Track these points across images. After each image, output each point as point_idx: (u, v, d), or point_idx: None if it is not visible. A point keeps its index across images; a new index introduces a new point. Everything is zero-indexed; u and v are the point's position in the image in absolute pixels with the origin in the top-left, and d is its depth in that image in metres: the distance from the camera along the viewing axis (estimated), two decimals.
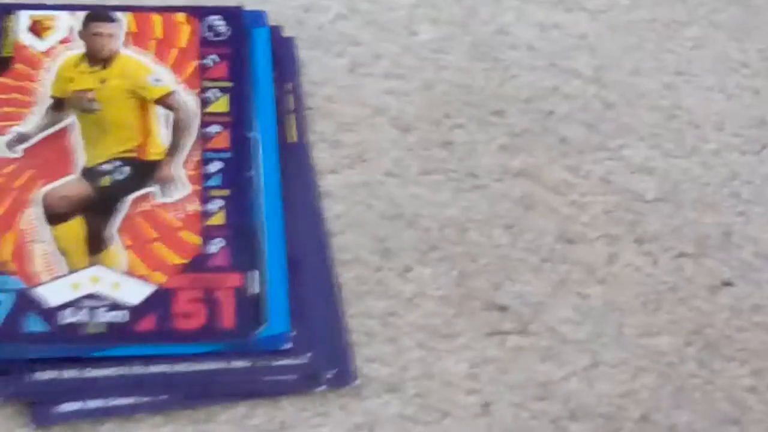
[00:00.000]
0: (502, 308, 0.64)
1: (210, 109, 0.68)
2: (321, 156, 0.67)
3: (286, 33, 0.72)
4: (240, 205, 0.65)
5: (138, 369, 0.60)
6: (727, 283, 0.66)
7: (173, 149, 0.67)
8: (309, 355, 0.61)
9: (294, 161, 0.67)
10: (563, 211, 0.67)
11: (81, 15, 0.72)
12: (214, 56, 0.71)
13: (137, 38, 0.71)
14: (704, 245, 0.67)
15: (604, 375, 0.62)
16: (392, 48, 0.72)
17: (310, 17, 0.72)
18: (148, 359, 0.60)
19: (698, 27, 0.76)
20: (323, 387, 0.61)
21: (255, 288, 0.62)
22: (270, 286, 0.62)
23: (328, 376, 0.61)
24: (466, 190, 0.67)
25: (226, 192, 0.65)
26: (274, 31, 0.73)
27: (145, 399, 0.59)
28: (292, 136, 0.68)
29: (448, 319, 0.63)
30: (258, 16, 0.73)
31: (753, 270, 0.66)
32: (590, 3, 0.76)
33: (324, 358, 0.61)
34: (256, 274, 0.62)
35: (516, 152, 0.69)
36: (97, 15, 0.72)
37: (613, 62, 0.73)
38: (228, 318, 0.60)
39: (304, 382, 0.61)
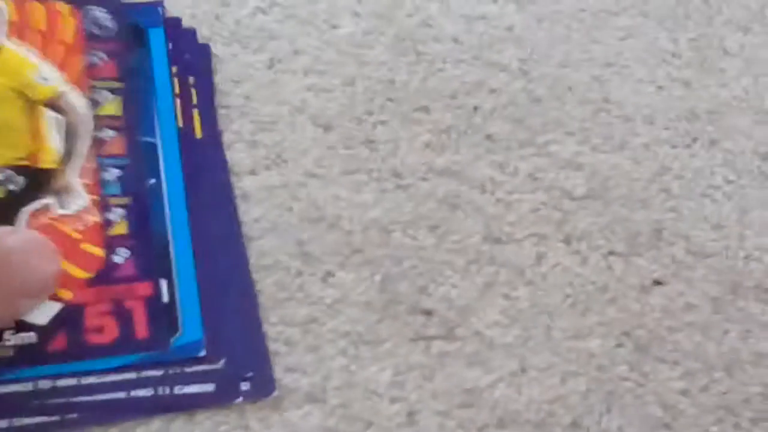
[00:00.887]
0: (428, 313, 0.62)
1: (101, 111, 0.64)
2: (238, 156, 0.65)
3: (203, 29, 0.68)
4: (142, 213, 0.62)
5: (46, 384, 0.57)
6: (659, 282, 0.64)
7: (67, 156, 0.62)
8: (224, 362, 0.59)
9: (204, 160, 0.64)
10: (490, 211, 0.65)
11: None
12: (101, 53, 0.66)
13: (19, 29, 0.65)
14: (634, 243, 0.65)
15: (533, 380, 0.61)
16: (313, 42, 0.69)
17: (227, 11, 0.69)
18: (57, 375, 0.57)
19: (628, 17, 0.74)
20: (240, 399, 0.58)
21: (166, 296, 0.58)
22: (180, 294, 0.60)
23: (246, 387, 0.59)
24: (389, 191, 0.65)
25: (126, 200, 0.62)
26: (175, 23, 0.69)
27: (55, 417, 0.56)
28: (198, 133, 0.64)
29: (371, 326, 0.61)
30: (152, 10, 0.69)
31: (685, 268, 0.65)
32: None
33: (241, 367, 0.59)
34: (165, 282, 0.59)
35: (441, 150, 0.67)
36: None
37: (541, 54, 0.71)
38: (141, 328, 0.58)
39: (221, 395, 0.58)
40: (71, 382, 0.57)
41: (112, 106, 0.64)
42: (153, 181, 0.62)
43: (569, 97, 0.70)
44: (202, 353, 0.59)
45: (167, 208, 0.61)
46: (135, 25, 0.67)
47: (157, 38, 0.67)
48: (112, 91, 0.65)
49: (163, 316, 0.59)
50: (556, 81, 0.70)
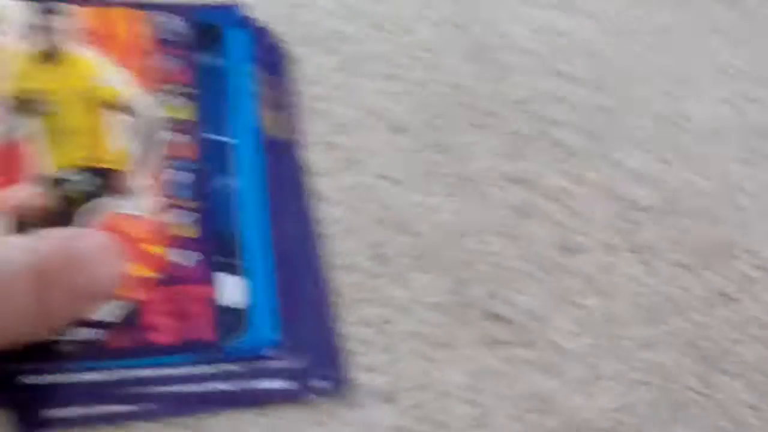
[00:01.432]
0: (500, 318, 0.62)
1: (173, 115, 0.64)
2: (313, 157, 0.65)
3: (275, 28, 0.68)
4: (212, 215, 0.62)
5: (125, 373, 0.57)
6: (725, 296, 0.65)
7: (137, 159, 0.62)
8: (301, 361, 0.59)
9: (280, 161, 0.64)
10: (561, 220, 0.66)
11: (33, 5, 0.65)
12: (174, 57, 0.66)
13: (95, 35, 0.65)
14: (703, 256, 0.66)
15: (602, 388, 0.61)
16: (386, 47, 0.70)
17: (300, 13, 0.70)
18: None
19: (699, 33, 0.75)
20: (315, 396, 0.59)
21: (234, 297, 0.59)
22: (256, 294, 0.60)
23: (322, 384, 0.59)
24: (462, 195, 0.65)
25: (195, 203, 0.62)
26: (252, 24, 0.69)
27: (133, 407, 0.57)
28: (277, 133, 0.65)
29: (444, 328, 0.61)
30: (230, 12, 0.69)
31: (752, 282, 0.65)
32: (588, 6, 0.74)
33: (318, 365, 0.59)
34: (236, 282, 0.60)
35: (512, 158, 0.67)
36: (51, 6, 0.65)
37: (612, 67, 0.72)
38: (205, 330, 0.59)
39: (297, 391, 0.59)
40: (149, 372, 0.58)
41: (184, 109, 0.64)
42: (227, 182, 0.62)
43: (640, 110, 0.70)
44: (275, 353, 0.59)
45: (243, 208, 0.61)
46: (210, 25, 0.67)
47: (233, 38, 0.67)
48: (185, 94, 0.65)
49: (228, 317, 0.59)
50: (628, 94, 0.71)
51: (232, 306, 0.60)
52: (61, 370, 0.57)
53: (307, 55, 0.69)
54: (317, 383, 0.59)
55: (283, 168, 0.65)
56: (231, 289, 0.60)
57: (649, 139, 0.70)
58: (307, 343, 0.60)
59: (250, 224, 0.62)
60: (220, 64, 0.67)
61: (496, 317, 0.62)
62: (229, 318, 0.60)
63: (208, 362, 0.59)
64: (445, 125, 0.68)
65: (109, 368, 0.58)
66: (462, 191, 0.66)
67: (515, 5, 0.74)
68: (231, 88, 0.66)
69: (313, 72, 0.69)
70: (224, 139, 0.65)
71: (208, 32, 0.67)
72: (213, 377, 0.59)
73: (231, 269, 0.61)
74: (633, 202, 0.67)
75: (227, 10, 0.69)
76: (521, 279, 0.63)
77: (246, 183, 0.63)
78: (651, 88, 0.72)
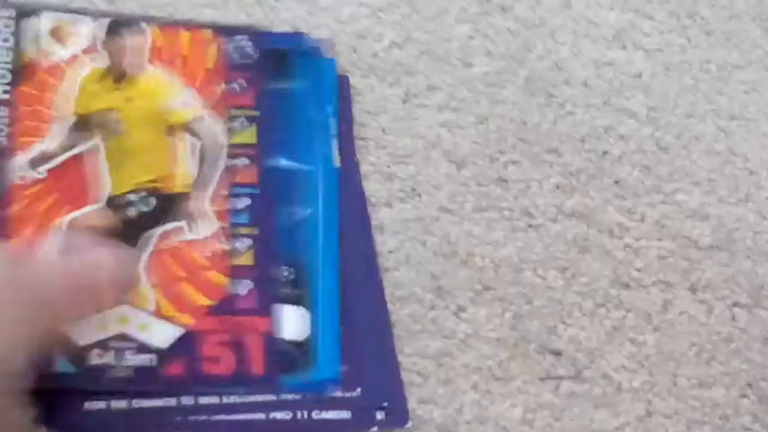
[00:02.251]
0: (557, 353, 0.63)
1: (236, 139, 0.64)
2: (374, 188, 0.66)
3: (340, 60, 0.70)
4: (269, 245, 0.62)
5: (188, 401, 0.58)
6: None
7: (200, 182, 0.63)
8: (360, 391, 0.60)
9: (342, 190, 0.65)
10: (618, 255, 0.66)
11: (105, 22, 0.66)
12: (240, 80, 0.66)
13: (163, 54, 0.66)
14: (759, 295, 0.66)
15: (659, 425, 0.62)
16: (447, 79, 0.71)
17: (364, 44, 0.71)
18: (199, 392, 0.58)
19: (752, 70, 0.75)
20: (375, 428, 0.59)
21: (296, 330, 0.60)
22: (316, 326, 0.61)
23: (381, 416, 0.60)
24: (520, 230, 0.66)
25: (253, 230, 0.62)
26: (319, 53, 0.70)
27: None
28: (337, 162, 0.66)
29: (502, 362, 0.62)
30: (299, 40, 0.70)
31: None
32: (645, 41, 0.75)
33: (377, 396, 0.60)
34: (298, 313, 0.61)
35: (570, 192, 0.68)
36: (123, 24, 0.66)
37: (668, 103, 0.72)
38: (256, 364, 0.59)
39: (357, 423, 0.60)
40: (213, 400, 0.58)
41: (247, 134, 0.65)
42: (294, 210, 0.63)
43: (695, 147, 0.71)
44: (335, 392, 0.60)
45: (312, 238, 0.62)
46: (280, 51, 0.68)
47: (303, 65, 0.68)
48: (249, 118, 0.65)
49: (292, 352, 0.60)
50: (683, 130, 0.71)
51: (294, 339, 0.60)
52: (120, 397, 0.58)
53: (370, 86, 0.70)
54: (376, 414, 0.59)
55: (345, 198, 0.65)
56: (293, 322, 0.60)
57: (705, 177, 0.70)
58: (366, 374, 0.60)
59: (319, 254, 0.62)
60: (289, 91, 0.67)
61: (553, 352, 0.63)
62: (290, 352, 0.60)
63: (262, 394, 0.59)
64: (506, 160, 0.68)
65: (165, 395, 0.58)
66: (521, 225, 0.66)
67: (572, 39, 0.74)
68: (300, 115, 0.66)
69: (375, 103, 0.69)
70: (292, 166, 0.65)
71: (278, 58, 0.68)
72: (270, 406, 0.59)
73: (295, 300, 0.61)
74: (690, 240, 0.68)
75: (297, 37, 0.70)
76: (578, 314, 0.64)
77: (316, 212, 0.64)
78: (707, 124, 0.72)
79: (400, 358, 0.61)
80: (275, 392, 0.59)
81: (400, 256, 0.64)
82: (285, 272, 0.62)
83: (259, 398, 0.59)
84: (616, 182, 0.69)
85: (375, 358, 0.61)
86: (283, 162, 0.65)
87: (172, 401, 0.58)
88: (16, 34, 0.63)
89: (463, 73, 0.71)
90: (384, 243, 0.64)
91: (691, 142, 0.71)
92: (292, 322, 0.61)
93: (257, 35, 0.68)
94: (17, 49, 0.63)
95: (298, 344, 0.60)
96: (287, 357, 0.60)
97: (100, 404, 0.57)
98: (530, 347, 0.62)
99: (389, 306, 0.62)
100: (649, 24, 0.75)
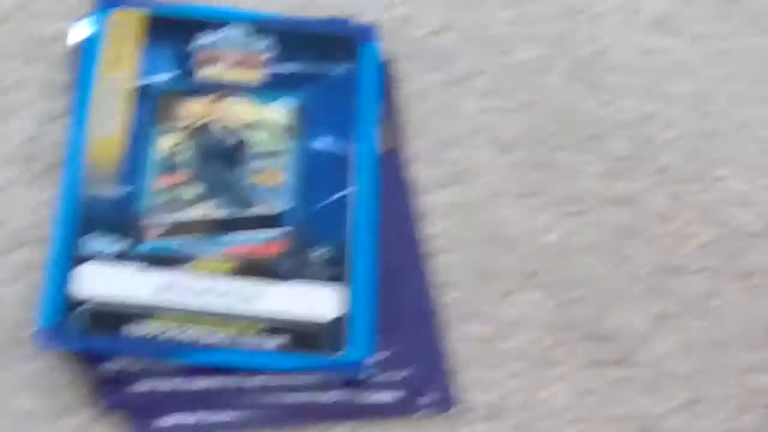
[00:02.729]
0: (603, 338, 0.62)
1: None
2: (418, 173, 0.66)
3: (384, 45, 0.69)
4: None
5: (234, 381, 0.58)
6: None
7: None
8: (405, 375, 0.60)
9: (386, 175, 0.65)
10: (664, 242, 0.66)
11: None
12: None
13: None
14: None
15: (706, 412, 0.61)
16: (489, 65, 0.70)
17: (406, 30, 0.71)
18: (246, 373, 0.59)
19: None
20: (421, 412, 0.59)
21: (336, 307, 0.60)
22: (354, 304, 0.61)
23: (426, 401, 0.60)
24: (566, 215, 0.66)
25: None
26: (361, 39, 0.71)
27: (244, 415, 0.58)
28: (381, 148, 0.66)
29: (548, 348, 0.62)
30: (342, 24, 0.71)
31: None
32: (689, 28, 0.74)
33: (422, 381, 0.60)
34: (339, 291, 0.61)
35: (616, 178, 0.67)
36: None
37: (713, 89, 0.72)
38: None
39: (402, 407, 0.60)
40: (259, 381, 0.58)
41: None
42: (331, 191, 0.63)
43: (742, 134, 0.70)
44: (380, 367, 0.59)
45: (356, 218, 0.62)
46: (322, 38, 0.68)
47: (345, 51, 0.69)
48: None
49: (331, 329, 0.60)
50: (729, 116, 0.71)
51: (327, 318, 0.60)
52: (173, 377, 0.58)
53: (413, 72, 0.69)
54: (423, 398, 0.59)
55: (387, 183, 0.65)
56: (332, 299, 0.60)
57: (752, 163, 0.69)
58: (413, 357, 0.60)
59: (356, 235, 0.62)
60: (332, 76, 0.68)
61: (600, 338, 0.62)
62: (329, 329, 0.60)
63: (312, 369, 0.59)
64: (551, 145, 0.68)
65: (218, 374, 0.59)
66: (567, 211, 0.66)
67: (614, 25, 0.74)
68: (343, 100, 0.67)
69: (418, 88, 0.69)
70: (334, 149, 0.65)
71: (322, 43, 0.69)
72: (323, 386, 0.59)
73: (336, 278, 0.61)
74: (736, 227, 0.67)
75: (340, 22, 0.71)
76: (625, 300, 0.64)
77: (361, 193, 0.64)
78: (753, 110, 0.72)
79: (445, 342, 0.60)
80: (325, 367, 0.59)
81: (445, 241, 0.64)
82: (321, 251, 0.61)
83: (306, 380, 0.58)
84: (661, 169, 0.68)
85: (420, 342, 0.61)
86: (324, 146, 0.64)
87: (218, 381, 0.58)
88: None
89: (505, 59, 0.71)
90: (428, 228, 0.64)
91: (737, 128, 0.71)
92: (326, 301, 0.60)
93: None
94: None
95: (327, 325, 0.60)
96: (332, 334, 0.60)
97: (150, 384, 0.57)
98: (575, 333, 0.62)
99: (436, 290, 0.62)
100: (692, 10, 0.74)
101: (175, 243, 0.61)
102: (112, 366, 0.58)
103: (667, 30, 0.74)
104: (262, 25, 0.69)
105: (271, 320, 0.59)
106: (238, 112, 0.66)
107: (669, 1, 0.75)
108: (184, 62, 0.67)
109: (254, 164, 0.64)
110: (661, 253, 0.65)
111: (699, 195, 0.68)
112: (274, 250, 0.62)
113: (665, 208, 0.67)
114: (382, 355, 0.60)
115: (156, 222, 0.61)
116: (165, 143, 0.64)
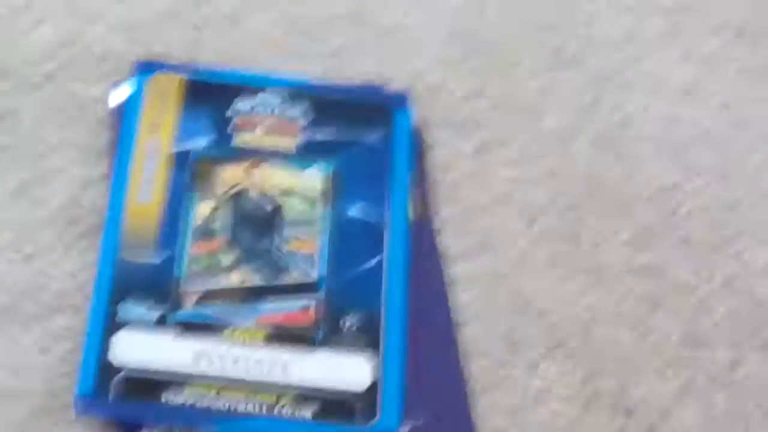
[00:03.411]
0: (628, 411, 0.64)
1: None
2: (447, 241, 0.67)
3: (415, 112, 0.71)
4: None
5: None
6: None
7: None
8: None
9: (417, 243, 0.66)
10: (687, 313, 0.67)
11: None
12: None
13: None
14: None
15: None
16: (518, 134, 0.72)
17: (438, 97, 0.72)
18: None
19: None
20: None
21: (369, 376, 0.62)
22: (386, 374, 0.62)
23: None
24: (591, 286, 0.67)
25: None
26: (394, 106, 0.72)
27: None
28: (413, 215, 0.67)
29: (574, 420, 0.63)
30: (375, 91, 0.73)
31: None
32: (713, 97, 0.76)
33: None
34: (371, 360, 0.62)
35: (641, 248, 0.69)
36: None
37: (737, 159, 0.73)
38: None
39: None
40: None
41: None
42: (362, 259, 0.65)
43: (764, 204, 0.71)
44: None
45: (388, 288, 0.63)
46: (356, 105, 0.70)
47: (378, 118, 0.70)
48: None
49: (363, 398, 0.61)
50: (752, 187, 0.72)
51: (356, 388, 0.62)
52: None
53: (443, 140, 0.71)
54: None
55: (418, 251, 0.66)
56: (365, 367, 0.62)
57: None
58: (443, 426, 0.61)
59: (393, 302, 0.64)
60: (366, 143, 0.70)
61: (625, 410, 0.64)
62: (363, 397, 0.61)
63: None
64: (577, 215, 0.69)
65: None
66: (593, 281, 0.67)
67: (641, 93, 0.75)
68: (392, 167, 0.69)
69: (448, 156, 0.71)
70: (377, 216, 0.67)
71: (355, 110, 0.71)
72: None
73: (369, 345, 0.63)
74: (759, 299, 0.68)
75: (374, 90, 0.72)
76: (649, 371, 0.65)
77: (393, 261, 0.65)
78: None
79: (472, 413, 0.62)
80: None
81: (473, 310, 0.65)
82: (354, 318, 0.62)
83: None
84: (685, 239, 0.70)
85: (448, 412, 0.62)
86: (358, 213, 0.66)
87: None
88: None
89: (533, 127, 0.73)
90: (457, 297, 0.65)
91: (760, 198, 0.72)
92: (360, 370, 0.61)
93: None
94: None
95: (360, 393, 0.61)
96: (364, 404, 0.61)
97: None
98: (601, 405, 0.63)
99: (462, 360, 0.63)
100: (718, 79, 0.76)
101: (211, 310, 0.62)
102: None
103: (691, 99, 0.75)
104: (297, 91, 0.70)
105: (306, 388, 0.61)
106: (274, 178, 0.66)
107: (695, 69, 0.77)
108: (222, 127, 0.68)
109: (289, 231, 0.65)
110: (685, 323, 0.67)
111: (720, 267, 0.69)
112: (308, 317, 0.62)
113: (688, 280, 0.68)
114: (413, 423, 0.60)
115: (193, 289, 0.62)
116: (202, 209, 0.65)
